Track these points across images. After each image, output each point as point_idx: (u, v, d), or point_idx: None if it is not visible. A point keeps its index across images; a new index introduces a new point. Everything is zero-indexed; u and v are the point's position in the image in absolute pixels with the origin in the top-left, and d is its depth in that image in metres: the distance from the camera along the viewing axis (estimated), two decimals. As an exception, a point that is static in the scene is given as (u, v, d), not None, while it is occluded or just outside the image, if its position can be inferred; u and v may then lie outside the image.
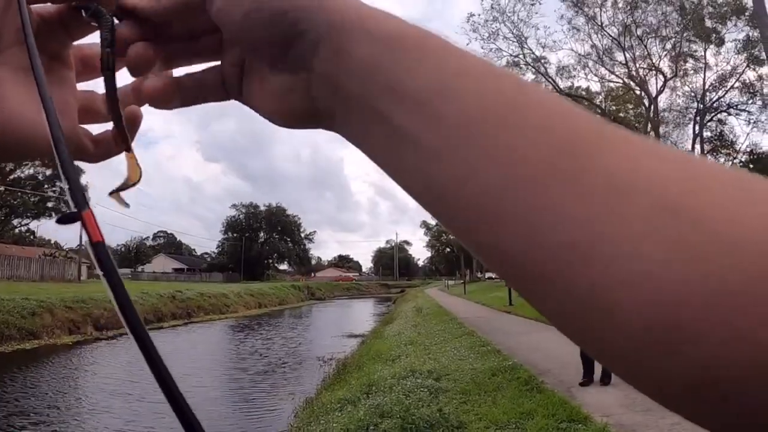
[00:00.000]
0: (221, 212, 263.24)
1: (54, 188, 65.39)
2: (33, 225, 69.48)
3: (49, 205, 65.52)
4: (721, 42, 24.68)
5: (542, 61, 26.11)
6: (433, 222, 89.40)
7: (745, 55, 24.39)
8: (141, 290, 37.16)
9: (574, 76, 27.27)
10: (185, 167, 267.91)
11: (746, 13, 22.89)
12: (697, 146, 25.41)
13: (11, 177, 61.44)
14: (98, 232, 0.37)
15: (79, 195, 0.38)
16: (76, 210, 0.36)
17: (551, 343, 12.99)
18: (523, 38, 25.59)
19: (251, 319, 40.33)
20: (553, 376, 8.59)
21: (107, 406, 12.72)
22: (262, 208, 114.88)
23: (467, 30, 25.96)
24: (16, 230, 67.12)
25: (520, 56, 25.98)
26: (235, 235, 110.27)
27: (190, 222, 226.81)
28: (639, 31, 24.02)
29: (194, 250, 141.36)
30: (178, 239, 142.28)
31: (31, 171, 64.37)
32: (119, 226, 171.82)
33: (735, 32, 24.36)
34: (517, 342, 13.44)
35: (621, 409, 6.29)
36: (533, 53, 25.85)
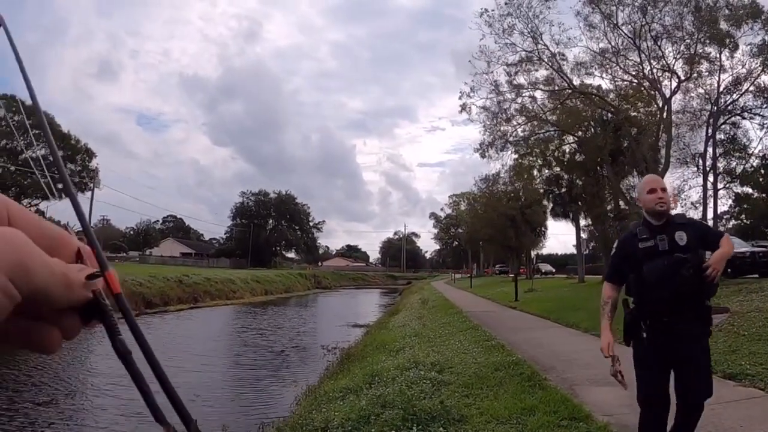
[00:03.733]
0: (229, 197, 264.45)
1: (66, 169, 65.45)
2: (42, 206, 69.57)
3: (60, 186, 65.50)
4: (735, 45, 24.56)
5: (557, 57, 25.95)
6: (442, 215, 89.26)
7: (760, 59, 24.28)
8: (148, 273, 37.37)
9: (590, 73, 27.10)
10: (193, 151, 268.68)
11: (762, 17, 22.77)
12: (710, 149, 25.31)
13: (21, 157, 61.55)
14: (118, 285, 0.56)
15: (103, 260, 0.57)
16: (100, 271, 0.56)
17: (556, 340, 12.99)
18: (537, 34, 25.46)
19: (257, 306, 40.51)
20: (557, 373, 8.59)
21: (110, 384, 12.78)
22: (272, 195, 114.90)
23: (481, 25, 25.78)
24: (27, 211, 67.10)
25: (535, 52, 25.84)
26: (243, 221, 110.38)
27: (197, 206, 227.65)
28: (654, 32, 23.88)
29: (202, 235, 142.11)
30: (186, 224, 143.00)
31: (43, 152, 64.43)
32: (129, 209, 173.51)
33: (751, 35, 24.25)
34: (522, 338, 13.43)
35: (623, 409, 6.26)
36: (548, 49, 25.71)
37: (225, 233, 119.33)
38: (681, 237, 3.94)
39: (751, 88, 25.43)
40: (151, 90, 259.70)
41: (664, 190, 4.09)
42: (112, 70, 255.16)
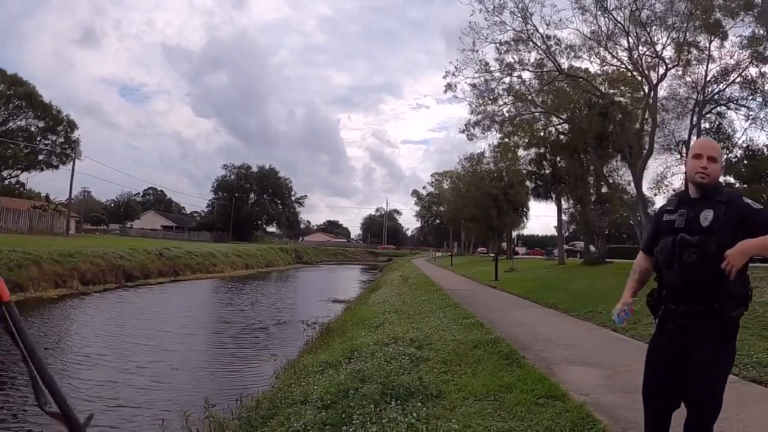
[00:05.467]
0: (211, 170, 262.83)
1: (46, 141, 64.70)
2: (23, 177, 68.66)
3: (41, 157, 64.88)
4: (725, 36, 24.62)
5: (545, 38, 25.78)
6: (424, 192, 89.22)
7: (749, 51, 24.37)
8: (129, 246, 37.23)
9: (579, 57, 26.98)
10: (176, 122, 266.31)
11: (755, 10, 22.76)
12: (694, 137, 25.40)
13: (2, 128, 60.68)
14: (7, 293, 0.57)
15: None
16: None
17: (535, 320, 13.09)
18: (528, 14, 25.25)
19: (237, 280, 40.52)
20: (535, 352, 8.66)
21: (89, 361, 12.75)
22: (255, 169, 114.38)
23: (472, 0, 25.42)
24: (6, 182, 66.26)
25: (524, 32, 25.65)
26: (225, 195, 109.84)
27: (179, 179, 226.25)
28: (645, 17, 23.81)
29: (184, 208, 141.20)
30: (168, 197, 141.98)
31: (23, 122, 63.59)
32: (110, 181, 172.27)
33: (741, 27, 24.30)
34: (501, 316, 13.53)
35: (600, 389, 6.35)
36: (537, 30, 25.53)
37: (206, 206, 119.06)
38: (706, 216, 3.29)
39: (738, 80, 25.55)
40: (134, 60, 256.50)
41: (712, 159, 3.40)
42: (95, 37, 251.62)
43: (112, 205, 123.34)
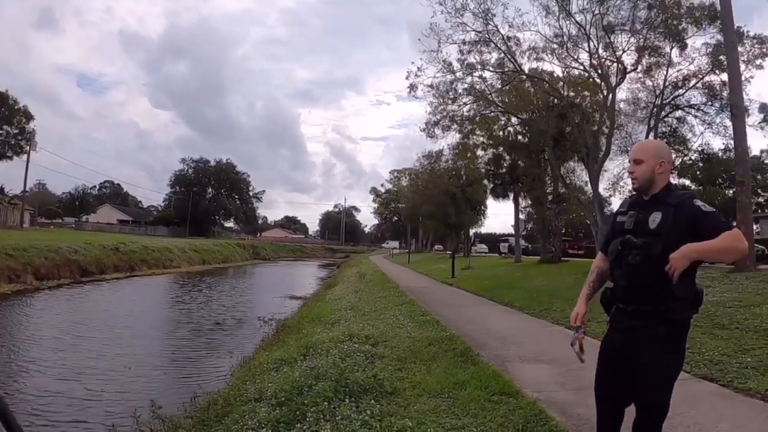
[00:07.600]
0: (169, 163, 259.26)
1: (0, 131, 63.17)
2: (-25, 170, 67.09)
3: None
4: (684, 46, 25.07)
5: (506, 39, 25.81)
6: (382, 189, 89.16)
7: (707, 59, 24.89)
8: (84, 241, 36.64)
9: (541, 59, 27.13)
10: (133, 113, 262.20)
11: (718, 22, 23.14)
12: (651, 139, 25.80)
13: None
14: None
15: None
16: None
17: (490, 318, 13.16)
18: (489, 15, 25.21)
19: (194, 276, 40.15)
20: (489, 350, 8.71)
21: (44, 357, 12.51)
22: (213, 163, 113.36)
23: (432, 2, 25.30)
24: (-42, 174, 64.68)
25: (484, 33, 25.62)
26: (182, 189, 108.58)
27: (136, 172, 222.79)
28: (606, 22, 23.97)
29: (141, 202, 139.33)
30: (124, 190, 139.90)
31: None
32: (66, 173, 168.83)
33: (704, 36, 24.79)
34: (457, 314, 13.58)
35: (553, 386, 6.40)
36: (498, 31, 25.53)
37: (164, 201, 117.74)
38: (654, 219, 3.29)
39: (698, 85, 26.12)
40: (93, 48, 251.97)
41: (636, 162, 3.45)
42: (53, 18, 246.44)
43: (68, 198, 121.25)
